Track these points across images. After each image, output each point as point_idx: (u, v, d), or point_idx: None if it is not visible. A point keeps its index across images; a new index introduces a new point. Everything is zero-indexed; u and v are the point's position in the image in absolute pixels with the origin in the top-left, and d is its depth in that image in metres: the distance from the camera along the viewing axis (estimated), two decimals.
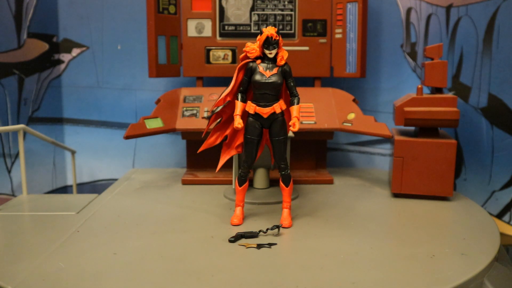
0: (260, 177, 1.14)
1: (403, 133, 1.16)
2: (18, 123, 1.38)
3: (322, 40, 1.29)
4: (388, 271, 0.71)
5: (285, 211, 0.92)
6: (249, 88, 0.90)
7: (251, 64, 0.87)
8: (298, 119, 0.87)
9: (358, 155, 1.52)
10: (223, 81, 1.27)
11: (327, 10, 1.29)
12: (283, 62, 0.87)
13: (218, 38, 1.30)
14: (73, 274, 0.69)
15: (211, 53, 1.30)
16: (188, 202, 1.06)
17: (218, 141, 0.94)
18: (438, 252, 0.78)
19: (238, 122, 0.86)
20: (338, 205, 1.04)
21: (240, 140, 0.94)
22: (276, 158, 0.90)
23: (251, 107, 0.88)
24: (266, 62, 0.87)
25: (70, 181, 1.56)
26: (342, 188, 1.20)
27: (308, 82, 1.36)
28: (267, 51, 0.86)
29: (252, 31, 1.29)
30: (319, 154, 1.35)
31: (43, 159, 1.48)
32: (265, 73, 0.86)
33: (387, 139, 1.45)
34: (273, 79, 0.86)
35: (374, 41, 1.43)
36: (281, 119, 0.89)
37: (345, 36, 1.28)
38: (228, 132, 0.94)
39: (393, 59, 1.44)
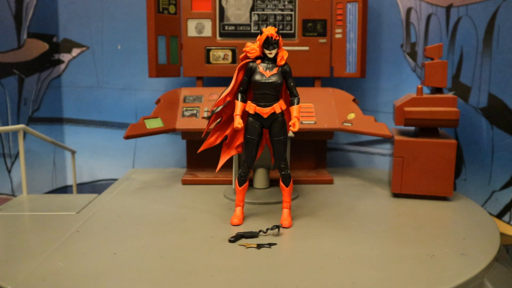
0: (260, 177, 1.14)
1: (403, 133, 1.16)
2: (18, 123, 1.38)
3: (322, 40, 1.29)
4: (388, 271, 0.71)
5: (285, 211, 0.92)
6: (249, 88, 0.90)
7: (251, 64, 0.87)
8: (298, 119, 0.87)
9: (358, 155, 1.52)
10: (223, 81, 1.27)
11: (327, 10, 1.29)
12: (283, 62, 0.87)
13: (218, 38, 1.30)
14: (73, 274, 0.69)
15: (211, 53, 1.30)
16: (188, 202, 1.06)
17: (218, 141, 0.94)
18: (438, 252, 0.78)
19: (238, 122, 0.86)
20: (338, 205, 1.04)
21: (240, 140, 0.94)
22: (276, 158, 0.90)
23: (251, 107, 0.88)
24: (266, 62, 0.87)
25: (70, 181, 1.56)
26: (342, 188, 1.20)
27: (308, 82, 1.36)
28: (267, 51, 0.86)
29: (252, 31, 1.29)
30: (319, 154, 1.35)
31: (43, 159, 1.48)
32: (265, 73, 0.86)
33: (387, 139, 1.45)
34: (273, 79, 0.86)
35: (374, 41, 1.43)
36: (281, 119, 0.89)
37: (345, 36, 1.28)
38: (228, 132, 0.94)
39: (393, 59, 1.44)
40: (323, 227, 0.90)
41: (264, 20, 1.29)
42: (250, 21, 1.29)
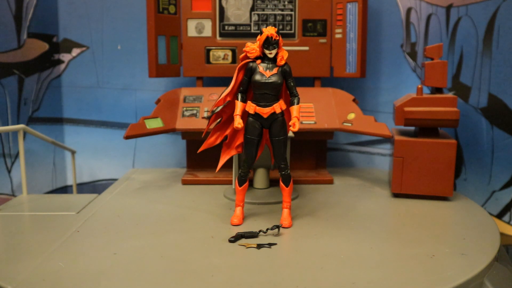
0: (260, 177, 1.14)
1: (403, 133, 1.16)
2: (18, 123, 1.38)
3: (322, 40, 1.29)
4: (388, 271, 0.71)
5: (285, 211, 0.92)
6: (249, 88, 0.90)
7: (251, 64, 0.87)
8: (298, 119, 0.87)
9: (358, 155, 1.52)
10: (223, 81, 1.27)
11: (327, 10, 1.29)
12: (283, 62, 0.87)
13: (218, 38, 1.30)
14: (73, 274, 0.69)
15: (211, 53, 1.30)
16: (188, 202, 1.06)
17: (218, 141, 0.94)
18: (438, 252, 0.78)
19: (238, 122, 0.86)
20: (338, 205, 1.04)
21: (240, 140, 0.94)
22: (276, 158, 0.90)
23: (251, 107, 0.88)
24: (266, 62, 0.87)
25: (70, 181, 1.56)
26: (342, 188, 1.20)
27: (308, 82, 1.36)
28: (267, 51, 0.86)
29: (252, 31, 1.29)
30: (319, 154, 1.35)
31: (43, 159, 1.48)
32: (265, 73, 0.86)
33: (387, 139, 1.45)
34: (273, 79, 0.86)
35: (374, 41, 1.43)
36: (281, 119, 0.89)
37: (345, 36, 1.28)
38: (228, 132, 0.94)
39: (393, 59, 1.44)
40: (323, 227, 0.90)
41: (264, 20, 1.29)
42: (250, 21, 1.29)
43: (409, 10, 1.40)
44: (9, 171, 1.36)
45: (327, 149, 1.41)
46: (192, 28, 1.29)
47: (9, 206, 1.06)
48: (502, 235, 1.02)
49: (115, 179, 1.47)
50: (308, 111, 1.22)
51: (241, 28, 1.29)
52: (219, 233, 0.85)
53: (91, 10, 1.47)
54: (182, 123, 1.20)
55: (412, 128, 1.21)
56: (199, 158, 1.27)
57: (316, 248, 0.79)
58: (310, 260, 0.74)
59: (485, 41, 1.20)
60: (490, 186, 1.22)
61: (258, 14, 1.29)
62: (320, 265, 0.72)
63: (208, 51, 1.30)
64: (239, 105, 0.88)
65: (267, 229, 0.84)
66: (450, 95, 1.08)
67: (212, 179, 1.23)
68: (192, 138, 1.26)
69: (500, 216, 1.20)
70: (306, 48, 1.29)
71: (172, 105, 1.24)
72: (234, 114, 0.87)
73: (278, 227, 0.85)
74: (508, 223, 1.19)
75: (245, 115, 0.90)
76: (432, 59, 1.10)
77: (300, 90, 0.90)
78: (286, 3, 1.28)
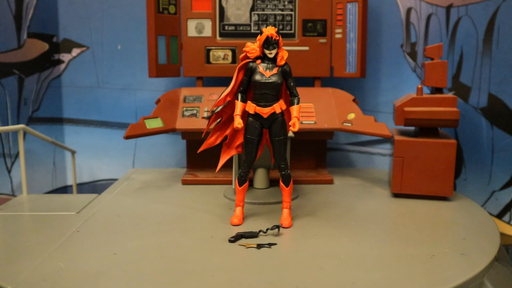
0: (260, 177, 1.14)
1: (403, 133, 1.16)
2: (18, 123, 1.38)
3: (322, 40, 1.29)
4: (388, 271, 0.71)
5: (285, 211, 0.92)
6: (249, 88, 0.90)
7: (251, 64, 0.87)
8: (298, 119, 0.87)
9: (358, 155, 1.52)
10: (223, 81, 1.27)
11: (327, 10, 1.29)
12: (283, 62, 0.87)
13: (218, 38, 1.30)
14: (73, 274, 0.69)
15: (211, 53, 1.30)
16: (188, 202, 1.06)
17: (218, 141, 0.94)
18: (438, 252, 0.78)
19: (238, 122, 0.86)
20: (338, 205, 1.04)
21: (240, 140, 0.94)
22: (276, 158, 0.90)
23: (251, 107, 0.88)
24: (266, 62, 0.87)
25: (70, 181, 1.56)
26: (342, 188, 1.20)
27: (308, 82, 1.36)
28: (267, 51, 0.86)
29: (252, 31, 1.29)
30: (319, 154, 1.35)
31: (43, 159, 1.48)
32: (265, 73, 0.86)
33: (387, 139, 1.45)
34: (273, 79, 0.86)
35: (374, 41, 1.43)
36: (281, 119, 0.89)
37: (345, 36, 1.28)
38: (228, 132, 0.94)
39: (393, 59, 1.44)
40: (323, 227, 0.90)
41: (264, 20, 1.29)
42: (250, 21, 1.29)
43: (409, 10, 1.40)
44: (9, 171, 1.36)
45: (327, 149, 1.41)
46: (192, 28, 1.29)
47: (9, 206, 1.06)
48: (502, 235, 1.02)
49: (115, 179, 1.48)
50: (308, 111, 1.22)
51: (241, 28, 1.29)
52: (219, 233, 0.85)
53: (91, 10, 1.47)
54: (182, 123, 1.20)
55: (412, 128, 1.21)
56: (199, 158, 1.27)
57: (316, 248, 0.79)
58: (310, 260, 0.74)
59: (485, 41, 1.20)
60: (490, 186, 1.22)
61: (258, 14, 1.29)
62: (320, 265, 0.72)
63: (208, 51, 1.30)
64: (239, 105, 0.88)
65: (267, 229, 0.84)
66: (450, 95, 1.08)
67: (212, 179, 1.23)
68: (192, 138, 1.26)
69: (500, 216, 1.20)
70: (306, 48, 1.30)
71: (172, 105, 1.24)
72: (234, 114, 0.87)
73: (278, 227, 0.85)
74: (508, 223, 1.19)
75: (245, 115, 0.90)
76: (432, 59, 1.10)
77: (300, 90, 0.90)
78: (286, 3, 1.28)
